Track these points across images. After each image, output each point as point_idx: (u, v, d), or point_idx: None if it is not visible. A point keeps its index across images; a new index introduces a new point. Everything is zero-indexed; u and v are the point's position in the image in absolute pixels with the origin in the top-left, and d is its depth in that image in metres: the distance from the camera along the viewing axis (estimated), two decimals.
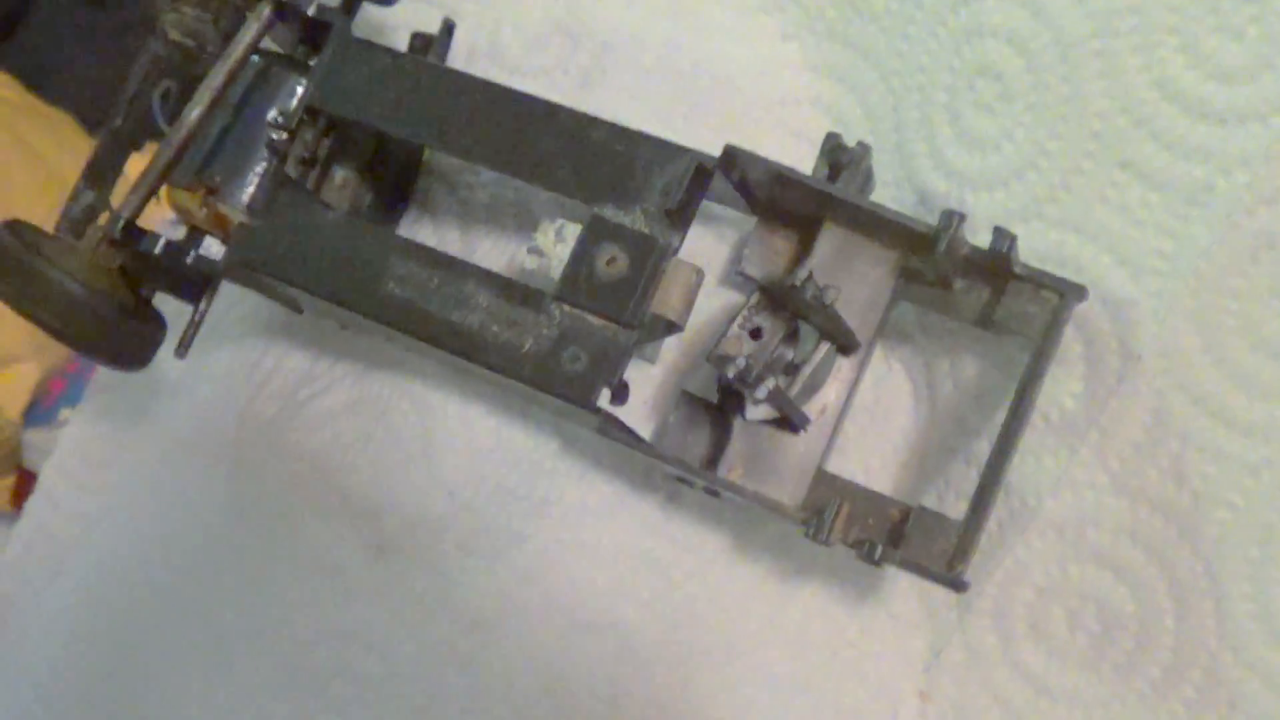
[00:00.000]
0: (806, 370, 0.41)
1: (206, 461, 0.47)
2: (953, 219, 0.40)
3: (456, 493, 0.43)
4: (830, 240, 0.42)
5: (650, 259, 0.40)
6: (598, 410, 0.40)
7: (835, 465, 0.44)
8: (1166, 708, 0.42)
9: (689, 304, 0.41)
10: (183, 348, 0.44)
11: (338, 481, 0.44)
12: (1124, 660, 0.42)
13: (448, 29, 0.47)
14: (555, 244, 0.41)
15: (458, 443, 0.44)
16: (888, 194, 0.45)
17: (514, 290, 0.41)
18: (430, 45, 0.47)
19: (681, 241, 0.41)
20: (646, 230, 0.41)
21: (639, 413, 0.44)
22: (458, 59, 0.48)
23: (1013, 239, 0.39)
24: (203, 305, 0.44)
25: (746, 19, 0.46)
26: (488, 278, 0.41)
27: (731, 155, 0.41)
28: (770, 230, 0.43)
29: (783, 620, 0.43)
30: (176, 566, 0.46)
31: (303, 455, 0.44)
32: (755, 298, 0.41)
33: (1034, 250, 0.42)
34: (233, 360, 0.48)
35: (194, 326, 0.44)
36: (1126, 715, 0.42)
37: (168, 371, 0.50)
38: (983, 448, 0.43)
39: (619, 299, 0.40)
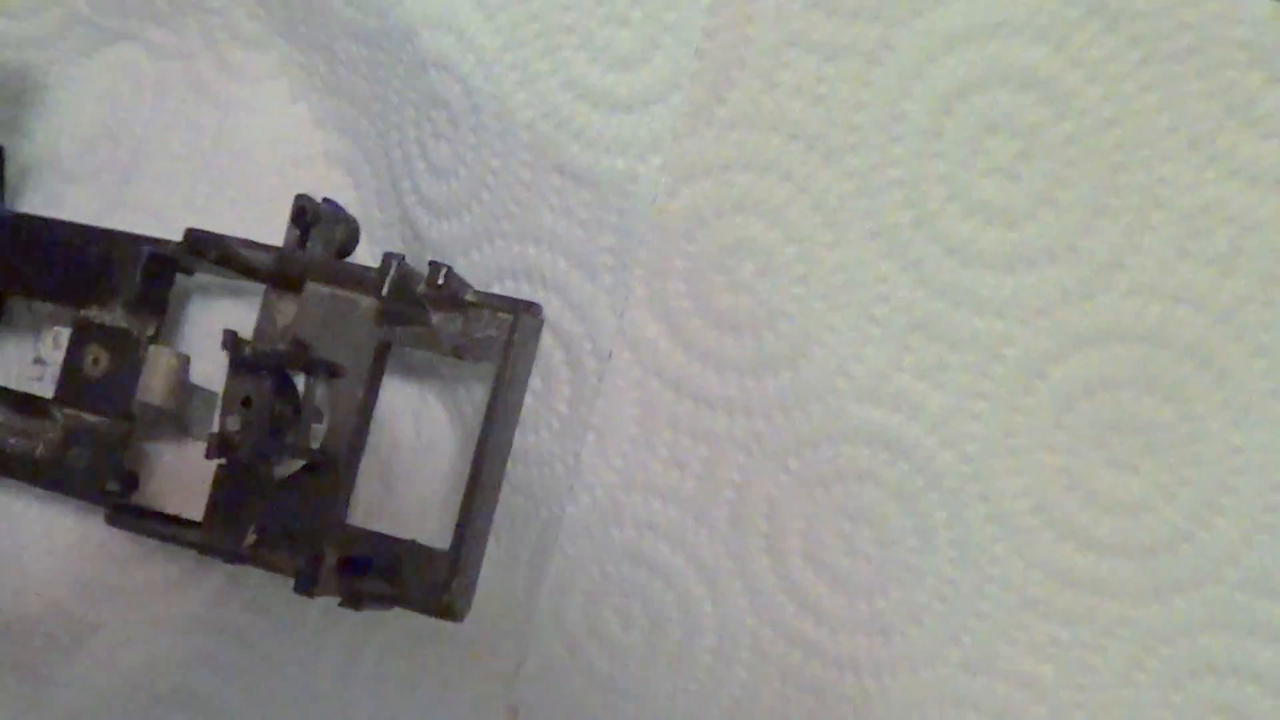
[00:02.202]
0: (310, 406, 0.42)
1: None
2: (390, 262, 0.40)
3: (44, 592, 0.46)
4: (314, 297, 0.43)
5: (126, 352, 0.42)
6: (104, 501, 0.42)
7: (391, 505, 0.45)
8: (725, 692, 0.42)
9: (174, 388, 0.43)
10: None
11: None
12: (676, 651, 0.42)
13: None
14: (53, 350, 0.44)
15: (44, 543, 0.47)
16: (392, 233, 0.46)
17: (21, 401, 0.44)
18: None
19: (159, 328, 0.43)
20: (124, 325, 0.43)
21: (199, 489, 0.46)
22: (31, 173, 0.51)
23: (447, 269, 0.40)
24: None
25: (256, 87, 0.48)
26: (2, 393, 0.44)
27: (195, 237, 0.43)
28: (277, 295, 0.45)
29: (361, 660, 0.45)
30: None
31: None
32: (230, 372, 0.43)
33: (502, 267, 0.43)
34: None
35: None
36: (690, 706, 0.42)
37: None
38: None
39: (106, 395, 0.42)
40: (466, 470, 0.45)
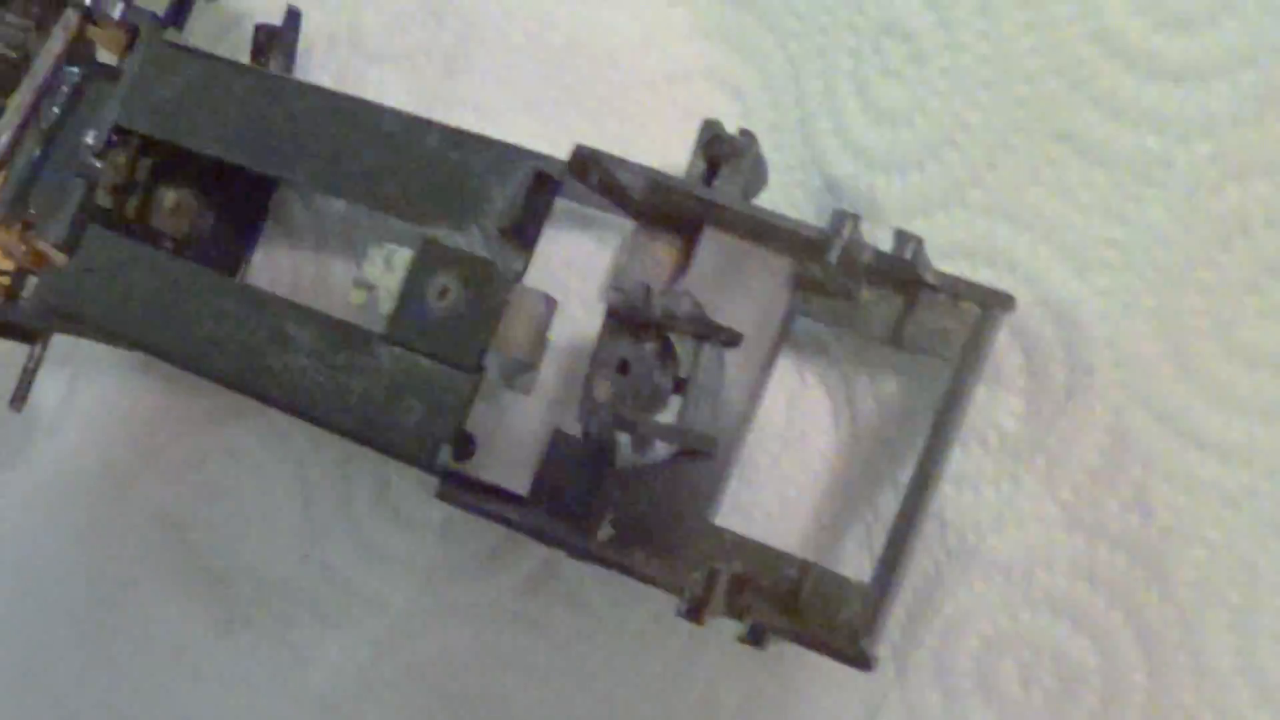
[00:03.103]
0: (698, 381, 0.35)
1: (62, 517, 0.43)
2: (845, 221, 0.33)
3: (312, 553, 0.38)
4: (712, 247, 0.36)
5: (488, 289, 0.34)
6: (439, 472, 0.34)
7: (746, 497, 0.38)
8: None
9: (538, 339, 0.35)
10: (17, 400, 0.40)
11: (191, 541, 0.39)
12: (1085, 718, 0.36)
13: (292, 19, 0.41)
14: (385, 274, 0.35)
15: (330, 492, 0.39)
16: (791, 179, 0.38)
17: (338, 331, 0.36)
18: (275, 37, 0.41)
19: (526, 264, 0.35)
20: (484, 254, 0.35)
21: (515, 455, 0.39)
22: (317, 47, 0.42)
23: (918, 242, 0.32)
24: (36, 352, 0.40)
25: None
26: (310, 317, 0.36)
27: (583, 157, 0.35)
28: (650, 236, 0.37)
29: (686, 689, 0.38)
30: (28, 638, 0.42)
31: (154, 511, 0.39)
32: (606, 327, 0.35)
33: (958, 243, 0.35)
34: (98, 398, 0.44)
35: (28, 375, 0.40)
36: None
37: (44, 410, 0.46)
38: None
39: (454, 338, 0.34)
40: (842, 472, 0.38)
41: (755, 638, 0.32)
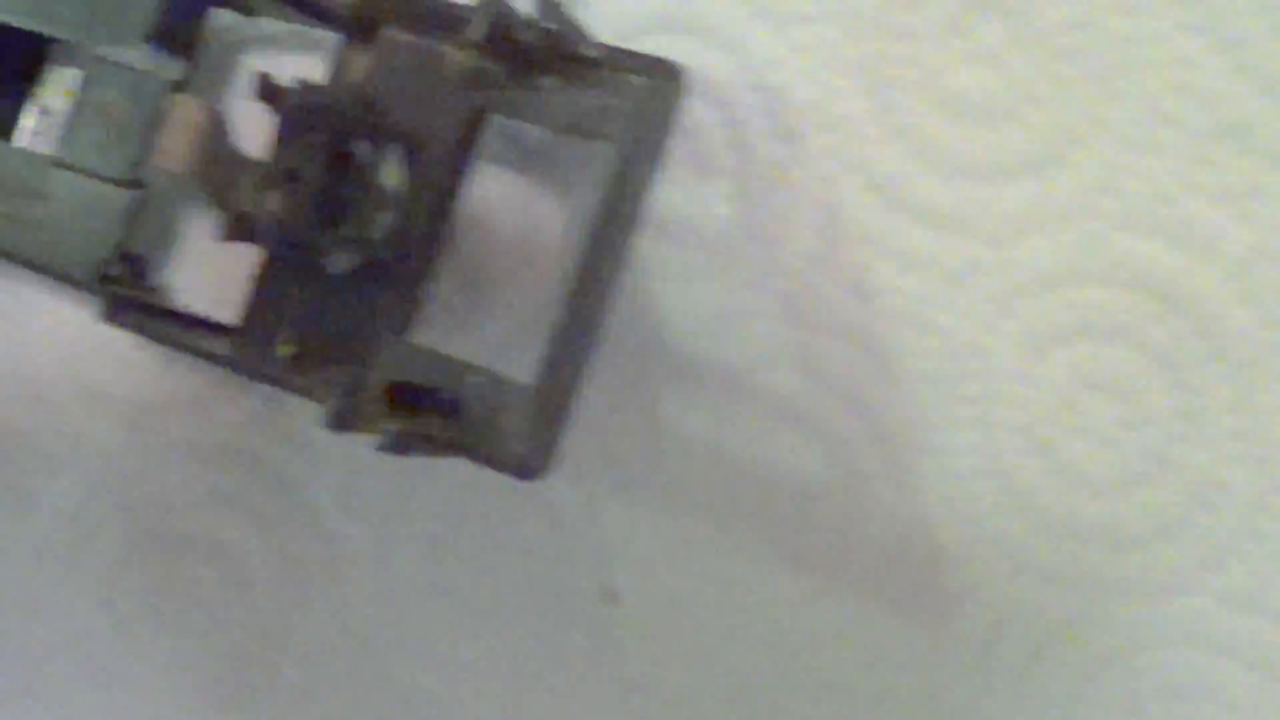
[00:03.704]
0: (377, 187, 0.32)
1: None
2: None
3: (46, 397, 0.37)
4: (390, 47, 0.33)
5: (143, 100, 0.32)
6: (104, 294, 0.32)
7: (479, 327, 0.35)
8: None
9: (200, 152, 0.32)
10: None
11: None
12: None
13: None
14: (57, 97, 0.33)
15: (45, 344, 0.37)
16: None
17: (15, 159, 0.34)
18: None
19: (188, 75, 0.32)
20: (145, 66, 0.32)
21: None
22: None
23: (558, 5, 0.29)
24: None
25: None
26: None
27: None
28: (354, 51, 0.34)
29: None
30: None
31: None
32: (276, 134, 0.32)
33: (655, 15, 0.32)
34: None
35: None
36: None
37: None
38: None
39: (117, 154, 0.32)
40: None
41: (391, 445, 0.29)
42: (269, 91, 0.31)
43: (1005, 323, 0.30)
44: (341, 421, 0.30)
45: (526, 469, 0.29)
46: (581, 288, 0.30)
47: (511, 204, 0.35)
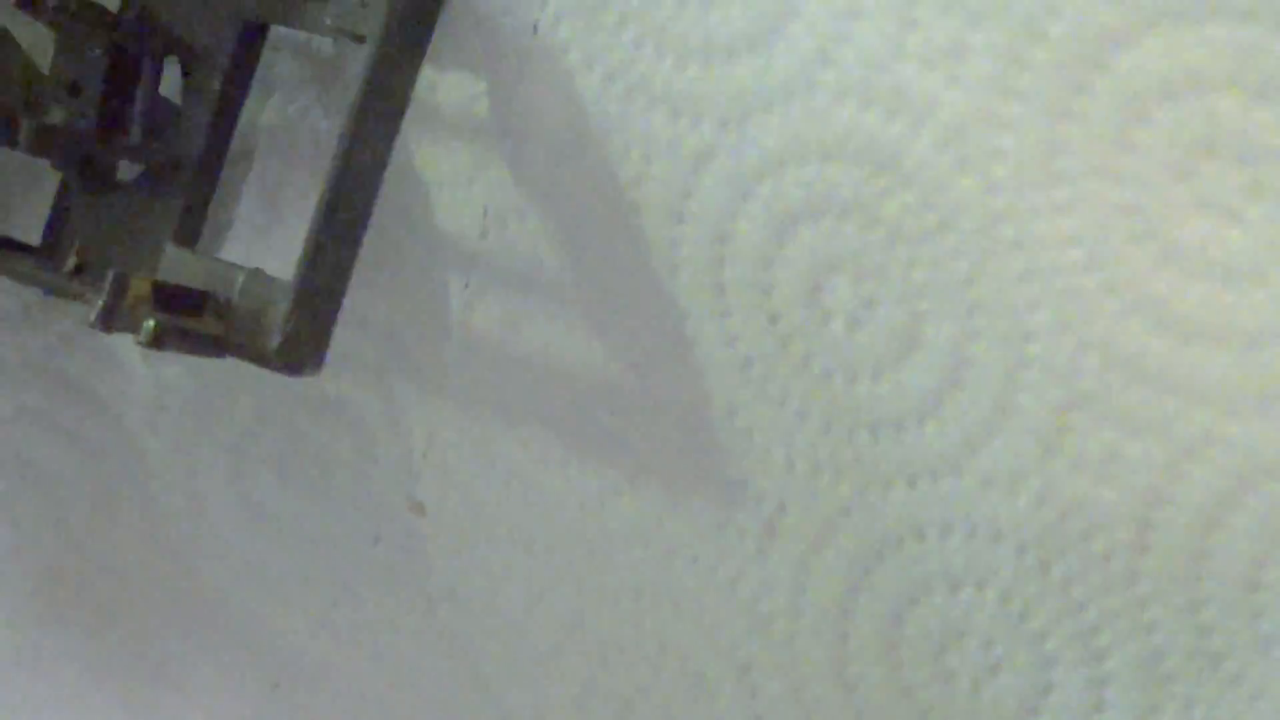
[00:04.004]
0: (156, 99, 0.33)
1: None
2: None
3: None
4: None
5: None
6: None
7: (276, 235, 0.36)
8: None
9: None
10: None
11: None
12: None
13: None
14: None
15: None
16: None
17: None
18: None
19: None
20: None
21: None
22: None
23: None
24: None
25: None
26: None
27: None
28: None
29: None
30: None
31: None
32: (56, 45, 0.33)
33: None
34: None
35: None
36: None
37: None
38: None
39: None
40: None
41: (150, 339, 0.30)
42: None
43: (746, 204, 0.30)
44: (107, 320, 0.31)
45: (291, 363, 0.30)
46: (337, 183, 0.31)
47: (310, 117, 0.36)
